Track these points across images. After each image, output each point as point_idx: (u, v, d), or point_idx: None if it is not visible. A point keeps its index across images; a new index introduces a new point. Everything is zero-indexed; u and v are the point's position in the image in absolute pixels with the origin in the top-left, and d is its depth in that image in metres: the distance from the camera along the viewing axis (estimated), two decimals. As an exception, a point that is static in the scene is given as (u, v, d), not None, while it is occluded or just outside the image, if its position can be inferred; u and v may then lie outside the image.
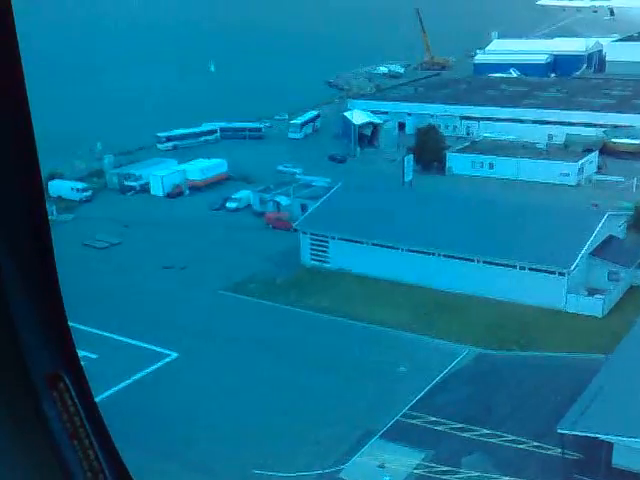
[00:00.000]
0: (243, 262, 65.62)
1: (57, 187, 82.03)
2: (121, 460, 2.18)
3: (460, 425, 39.85)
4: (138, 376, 47.13)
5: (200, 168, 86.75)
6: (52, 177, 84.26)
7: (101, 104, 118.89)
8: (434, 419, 40.49)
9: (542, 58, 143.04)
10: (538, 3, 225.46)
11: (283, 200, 75.54)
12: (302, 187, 78.60)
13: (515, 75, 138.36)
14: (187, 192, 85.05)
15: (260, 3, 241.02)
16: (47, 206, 2.29)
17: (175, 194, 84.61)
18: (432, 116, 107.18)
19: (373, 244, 59.59)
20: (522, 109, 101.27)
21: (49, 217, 2.34)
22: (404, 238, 58.19)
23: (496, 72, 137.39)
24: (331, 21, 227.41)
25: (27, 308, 2.10)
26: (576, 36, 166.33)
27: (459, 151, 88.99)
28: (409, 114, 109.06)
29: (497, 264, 53.76)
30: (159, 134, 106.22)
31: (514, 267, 53.22)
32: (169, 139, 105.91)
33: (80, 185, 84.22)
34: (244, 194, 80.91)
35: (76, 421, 2.11)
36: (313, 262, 63.15)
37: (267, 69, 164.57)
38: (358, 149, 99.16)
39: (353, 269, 60.24)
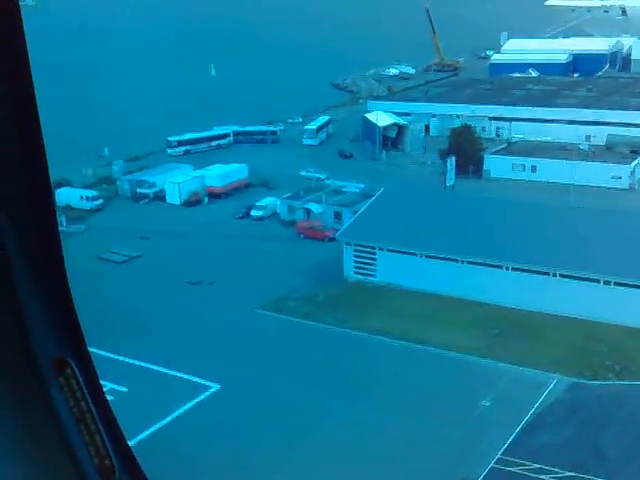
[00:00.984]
0: (277, 276, 59.35)
1: (65, 195, 75.48)
2: (128, 445, 2.13)
3: (570, 474, 33.61)
4: (177, 413, 40.66)
5: (219, 174, 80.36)
6: (59, 185, 77.80)
7: (105, 108, 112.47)
8: (537, 466, 34.23)
9: (562, 57, 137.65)
10: (546, 4, 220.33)
11: (315, 207, 69.28)
12: (333, 193, 72.38)
13: (534, 75, 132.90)
14: (206, 200, 78.67)
15: (262, 5, 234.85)
16: (56, 216, 2.25)
17: (193, 202, 78.21)
18: (458, 117, 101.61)
19: (427, 256, 53.35)
20: (556, 109, 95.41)
21: (59, 228, 2.34)
22: (463, 249, 51.99)
23: (513, 72, 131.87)
24: (333, 23, 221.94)
25: (34, 293, 2.07)
26: (588, 37, 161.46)
27: (496, 153, 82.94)
28: (433, 115, 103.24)
29: (577, 278, 47.57)
30: (169, 138, 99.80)
31: (597, 281, 47.04)
32: (180, 143, 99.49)
33: (90, 193, 77.70)
34: (269, 201, 74.63)
35: (83, 406, 2.08)
36: (357, 276, 56.89)
37: (270, 72, 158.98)
38: (384, 152, 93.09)
39: (404, 284, 53.99)
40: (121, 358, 45.74)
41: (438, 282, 52.20)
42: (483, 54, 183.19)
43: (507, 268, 50.37)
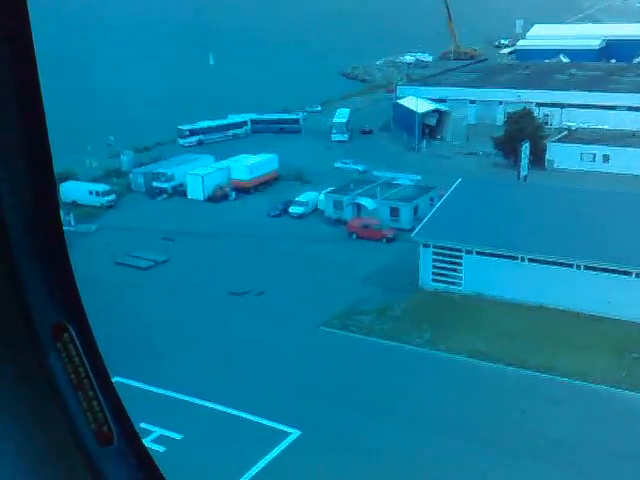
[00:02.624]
0: (335, 285, 49.61)
1: (71, 190, 65.27)
2: (125, 411, 2.13)
3: None
4: (253, 472, 30.72)
5: (248, 165, 70.26)
6: (64, 178, 67.57)
7: (105, 98, 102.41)
8: None
9: (594, 43, 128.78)
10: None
11: (368, 203, 59.42)
12: (384, 187, 62.49)
13: (565, 61, 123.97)
14: (233, 195, 68.60)
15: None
16: (62, 214, 2.24)
17: (218, 197, 68.13)
18: (501, 103, 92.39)
19: (531, 260, 43.68)
20: (613, 94, 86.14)
21: (65, 228, 2.27)
22: (577, 251, 42.42)
23: (541, 58, 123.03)
24: (339, 16, 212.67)
25: (32, 258, 2.05)
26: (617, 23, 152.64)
27: (559, 141, 73.48)
28: (472, 102, 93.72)
29: None
30: (181, 127, 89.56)
31: None
32: (193, 133, 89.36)
33: (101, 187, 67.35)
34: (310, 196, 64.73)
35: (81, 372, 2.09)
36: (436, 284, 47.15)
37: (277, 63, 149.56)
38: (424, 142, 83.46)
39: (500, 294, 44.36)
40: (167, 393, 35.86)
41: (546, 292, 42.63)
42: (497, 42, 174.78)
43: (637, 275, 40.82)
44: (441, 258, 46.76)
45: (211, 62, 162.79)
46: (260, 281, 50.48)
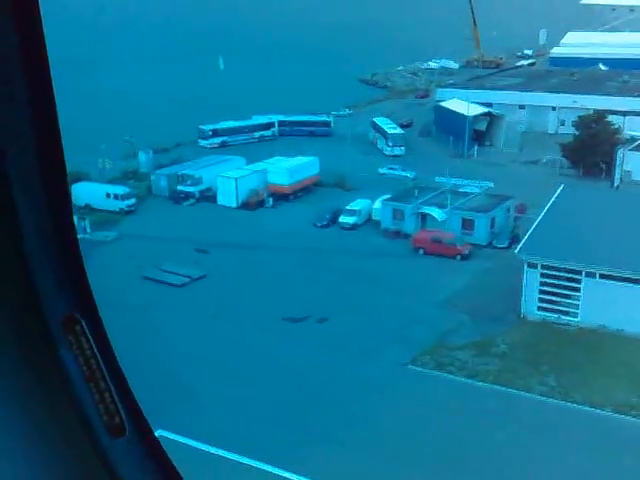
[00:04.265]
0: (411, 310, 40.76)
1: (85, 192, 56.16)
2: (136, 402, 2.13)
3: None
4: None
5: (288, 168, 61.32)
6: (76, 179, 58.59)
7: (116, 99, 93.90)
8: None
9: (636, 52, 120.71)
10: (582, 2, 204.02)
11: (436, 213, 50.60)
12: (450, 196, 53.65)
13: (604, 69, 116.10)
14: (270, 201, 59.65)
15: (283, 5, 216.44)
16: (75, 220, 2.23)
17: (253, 204, 59.15)
18: (554, 109, 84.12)
19: (675, 286, 34.91)
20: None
21: (80, 235, 2.21)
22: None
23: (577, 67, 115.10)
24: (354, 25, 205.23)
25: (43, 250, 2.04)
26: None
27: (636, 150, 64.88)
28: (521, 107, 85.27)
29: None
30: (202, 127, 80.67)
31: None
32: (215, 133, 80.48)
33: (120, 190, 58.19)
34: (363, 204, 55.87)
35: (92, 364, 2.08)
36: (544, 313, 38.26)
37: (287, 69, 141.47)
38: (475, 148, 74.86)
39: (628, 328, 35.53)
40: (224, 454, 26.76)
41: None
42: (520, 53, 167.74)
43: None
44: (552, 281, 37.91)
45: (221, 67, 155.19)
46: (319, 304, 41.55)
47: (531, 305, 38.55)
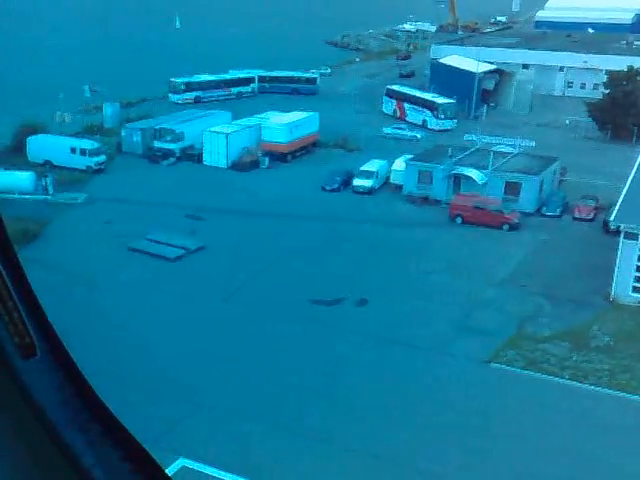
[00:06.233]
0: (470, 291, 32.71)
1: (45, 146, 46.54)
2: (48, 322, 2.02)
3: None
4: None
5: (285, 124, 52.30)
6: (31, 132, 48.78)
7: (76, 53, 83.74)
8: None
9: (627, 17, 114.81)
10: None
11: (476, 175, 42.42)
12: (483, 155, 45.61)
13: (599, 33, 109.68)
14: (266, 162, 50.65)
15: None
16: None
17: (246, 164, 50.08)
18: (562, 69, 76.96)
19: None
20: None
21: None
22: None
23: (564, 31, 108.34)
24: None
25: None
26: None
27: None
28: (524, 66, 77.66)
29: None
30: (174, 79, 70.84)
31: None
32: (189, 87, 70.65)
33: (88, 144, 48.18)
34: (379, 165, 47.37)
35: None
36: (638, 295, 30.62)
37: (259, 30, 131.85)
38: (484, 108, 66.95)
39: None
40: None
41: None
42: (493, 20, 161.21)
43: None
44: (654, 256, 30.21)
45: (177, 25, 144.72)
46: (351, 283, 33.13)
47: (624, 286, 30.82)
